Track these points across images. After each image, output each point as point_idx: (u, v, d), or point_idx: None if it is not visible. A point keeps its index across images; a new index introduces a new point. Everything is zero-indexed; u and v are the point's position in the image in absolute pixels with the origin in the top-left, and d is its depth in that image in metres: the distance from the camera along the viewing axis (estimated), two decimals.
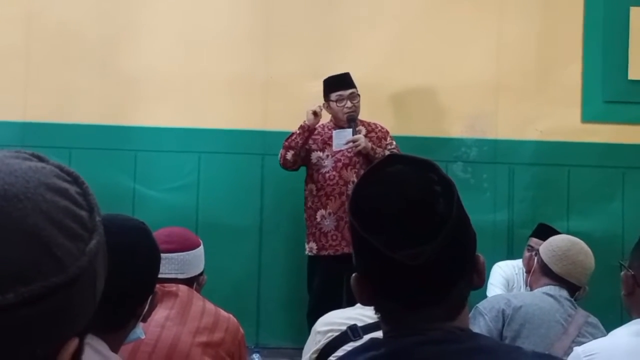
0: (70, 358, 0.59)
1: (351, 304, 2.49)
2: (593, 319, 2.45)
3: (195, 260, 2.11)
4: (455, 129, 4.83)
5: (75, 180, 0.63)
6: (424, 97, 4.84)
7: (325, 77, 4.26)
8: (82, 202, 0.62)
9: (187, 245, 2.09)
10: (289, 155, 4.17)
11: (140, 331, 1.49)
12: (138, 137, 4.71)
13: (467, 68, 4.80)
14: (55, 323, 0.57)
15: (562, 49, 4.88)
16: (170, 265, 2.03)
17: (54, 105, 4.71)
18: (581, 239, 2.60)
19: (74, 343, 0.60)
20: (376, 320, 1.06)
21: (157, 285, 1.49)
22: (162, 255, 1.55)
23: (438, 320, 0.99)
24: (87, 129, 4.69)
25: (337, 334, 2.03)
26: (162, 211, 4.43)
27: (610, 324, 2.16)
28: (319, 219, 4.17)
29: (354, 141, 4.05)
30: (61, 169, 0.63)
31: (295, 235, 4.48)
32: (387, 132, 4.33)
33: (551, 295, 2.44)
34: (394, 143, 4.27)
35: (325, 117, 4.27)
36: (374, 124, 4.34)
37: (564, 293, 2.45)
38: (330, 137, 4.17)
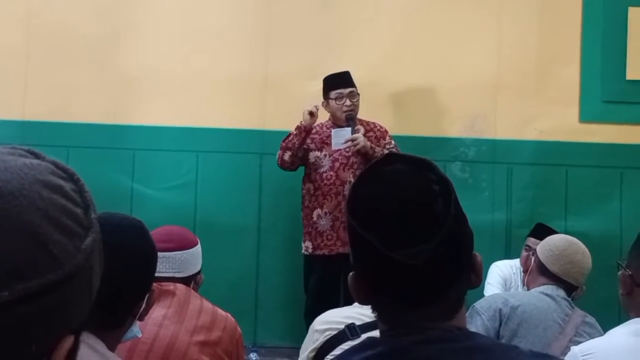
0: (66, 355, 0.59)
1: (349, 302, 2.49)
2: (590, 319, 2.45)
3: (192, 259, 2.10)
4: (454, 129, 4.83)
5: (70, 177, 0.63)
6: (423, 96, 4.84)
7: (325, 76, 4.26)
8: (77, 199, 0.62)
9: (184, 244, 2.09)
10: (287, 156, 4.17)
11: (137, 330, 1.49)
12: (136, 136, 4.71)
13: (466, 68, 4.80)
14: (51, 320, 0.57)
15: (561, 49, 4.88)
16: (168, 264, 2.03)
17: (52, 104, 4.71)
18: (579, 238, 2.61)
19: (69, 340, 0.60)
20: (374, 319, 1.06)
21: (155, 284, 1.49)
22: (160, 254, 1.55)
23: (435, 320, 0.99)
24: (85, 127, 4.69)
25: (335, 332, 2.04)
26: (160, 210, 4.43)
27: (608, 323, 2.16)
28: (315, 219, 4.17)
29: (352, 140, 4.05)
30: (56, 165, 0.63)
31: (293, 234, 4.48)
32: (386, 131, 4.33)
33: (548, 295, 2.44)
34: (393, 142, 4.27)
35: (324, 116, 4.27)
36: (373, 123, 4.34)
37: (561, 293, 2.45)
38: (329, 136, 4.16)
